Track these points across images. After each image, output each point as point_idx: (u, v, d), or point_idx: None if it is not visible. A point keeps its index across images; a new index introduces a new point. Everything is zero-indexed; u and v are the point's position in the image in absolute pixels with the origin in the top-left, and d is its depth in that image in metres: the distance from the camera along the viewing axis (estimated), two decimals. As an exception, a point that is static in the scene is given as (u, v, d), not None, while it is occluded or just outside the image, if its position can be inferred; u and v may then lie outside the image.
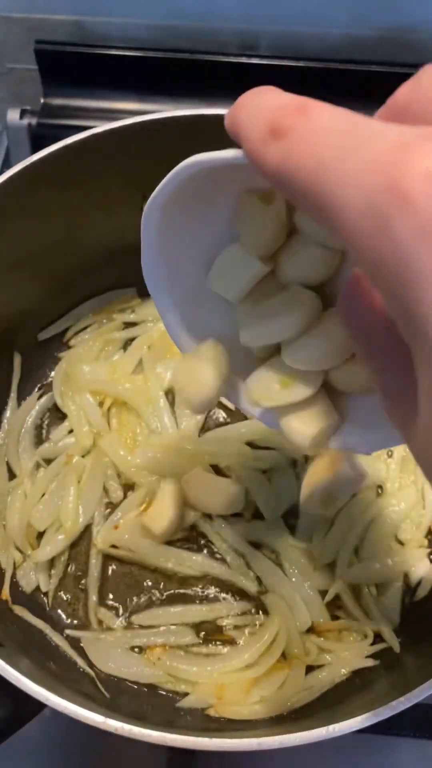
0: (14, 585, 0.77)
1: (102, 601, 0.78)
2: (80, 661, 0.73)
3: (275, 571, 0.77)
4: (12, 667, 0.52)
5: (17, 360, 0.87)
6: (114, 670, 0.73)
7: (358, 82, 1.10)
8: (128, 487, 0.82)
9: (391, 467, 0.84)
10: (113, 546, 0.78)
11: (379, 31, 1.10)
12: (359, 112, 1.04)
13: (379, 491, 0.83)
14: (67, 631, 0.76)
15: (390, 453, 0.85)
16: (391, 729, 0.78)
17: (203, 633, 0.76)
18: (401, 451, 0.85)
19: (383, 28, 1.09)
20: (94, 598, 0.77)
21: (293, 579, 0.77)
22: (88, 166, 0.76)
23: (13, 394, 0.86)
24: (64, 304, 0.91)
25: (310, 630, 0.75)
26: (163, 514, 0.76)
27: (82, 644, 0.75)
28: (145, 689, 0.73)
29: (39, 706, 0.54)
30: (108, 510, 0.81)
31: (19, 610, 0.74)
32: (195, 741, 0.50)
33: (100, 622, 0.76)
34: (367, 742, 0.80)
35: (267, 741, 0.50)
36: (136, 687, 0.73)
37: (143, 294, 0.94)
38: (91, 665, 0.73)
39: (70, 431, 0.85)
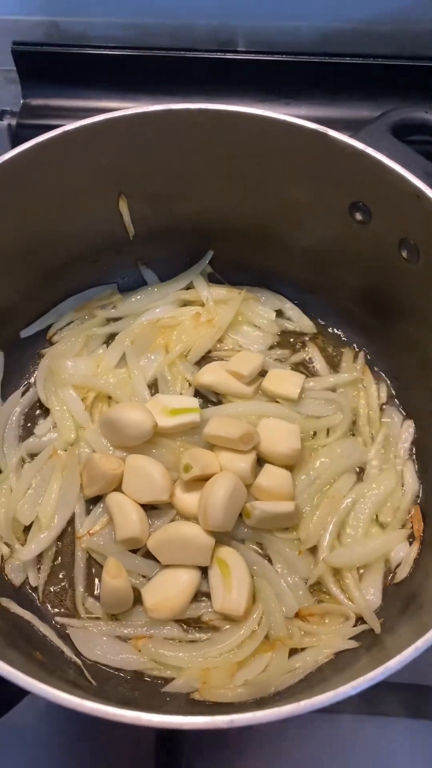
0: (2, 578, 0.79)
1: (89, 592, 0.79)
2: (67, 650, 0.74)
3: (261, 561, 0.79)
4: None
5: (0, 357, 0.88)
6: (100, 658, 0.74)
7: (334, 74, 1.11)
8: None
9: (371, 451, 0.85)
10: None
11: (354, 23, 1.11)
12: (335, 103, 1.05)
13: (359, 476, 0.84)
14: (56, 618, 0.77)
15: (372, 436, 0.87)
16: (383, 709, 0.80)
17: (187, 624, 0.77)
18: (383, 434, 0.86)
19: (358, 20, 1.10)
20: (80, 588, 0.79)
21: (278, 568, 0.78)
22: (61, 163, 0.77)
23: (-3, 391, 0.88)
24: (45, 302, 0.92)
25: (295, 614, 0.76)
26: (127, 523, 0.77)
27: (69, 633, 0.76)
28: (131, 676, 0.74)
29: (19, 694, 0.56)
30: (90, 503, 0.82)
31: (6, 602, 0.75)
32: (168, 720, 0.51)
33: (87, 612, 0.78)
34: (364, 723, 0.82)
35: (239, 718, 0.51)
36: (122, 674, 0.74)
37: (124, 290, 0.95)
38: (77, 654, 0.74)
39: (54, 425, 0.86)
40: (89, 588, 0.79)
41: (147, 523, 0.78)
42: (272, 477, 0.80)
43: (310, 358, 0.93)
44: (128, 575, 0.76)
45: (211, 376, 0.88)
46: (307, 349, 0.93)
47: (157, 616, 0.75)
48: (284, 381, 0.88)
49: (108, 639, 0.75)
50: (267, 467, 0.81)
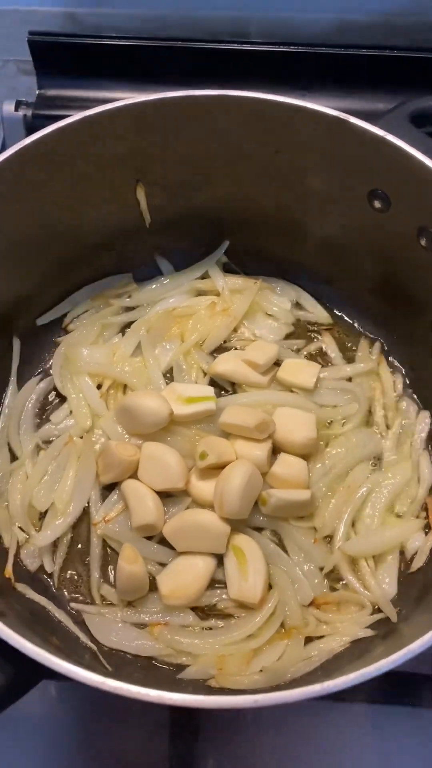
0: (18, 563, 0.79)
1: (105, 578, 0.79)
2: (82, 636, 0.74)
3: (277, 549, 0.79)
4: (13, 631, 0.53)
5: (16, 345, 0.88)
6: (116, 644, 0.74)
7: (350, 66, 1.11)
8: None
9: (387, 441, 0.85)
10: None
11: (370, 15, 1.11)
12: (350, 95, 1.05)
13: (375, 465, 0.84)
14: (72, 605, 0.77)
15: (387, 426, 0.87)
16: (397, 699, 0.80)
17: (202, 611, 0.77)
18: (398, 424, 0.86)
19: (374, 12, 1.10)
20: (96, 575, 0.79)
21: (295, 556, 0.78)
22: (80, 149, 0.77)
23: (13, 378, 0.88)
24: (61, 290, 0.92)
25: (310, 602, 0.76)
26: (143, 509, 0.77)
27: (84, 619, 0.76)
28: (147, 662, 0.74)
29: (39, 673, 0.56)
30: (105, 490, 0.82)
31: (22, 588, 0.75)
32: (193, 699, 0.51)
33: (102, 598, 0.78)
34: (376, 713, 0.82)
35: (263, 698, 0.51)
36: (137, 660, 0.74)
37: (139, 279, 0.95)
38: (93, 640, 0.74)
39: (70, 413, 0.87)
40: (104, 574, 0.79)
41: (162, 510, 0.78)
42: (288, 466, 0.80)
43: (325, 348, 0.93)
44: (144, 562, 0.76)
45: (227, 365, 0.88)
46: (322, 339, 0.93)
47: (172, 603, 0.75)
48: (300, 371, 0.88)
49: (123, 625, 0.75)
50: (282, 456, 0.81)
